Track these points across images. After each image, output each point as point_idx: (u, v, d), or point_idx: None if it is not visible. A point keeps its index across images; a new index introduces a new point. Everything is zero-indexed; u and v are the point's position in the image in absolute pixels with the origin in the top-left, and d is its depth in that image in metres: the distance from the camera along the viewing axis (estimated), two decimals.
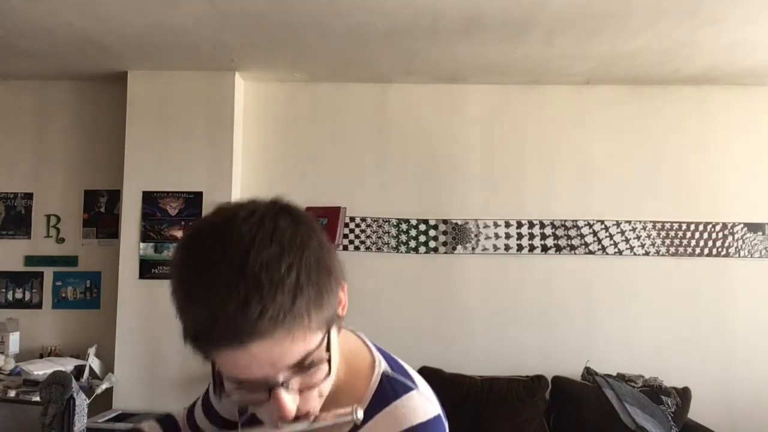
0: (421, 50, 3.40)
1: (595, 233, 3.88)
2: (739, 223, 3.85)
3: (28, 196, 3.97)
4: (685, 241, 3.86)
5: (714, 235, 3.85)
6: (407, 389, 0.82)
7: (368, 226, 3.90)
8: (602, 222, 3.88)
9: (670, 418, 3.42)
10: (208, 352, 0.67)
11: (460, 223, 3.89)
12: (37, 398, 2.97)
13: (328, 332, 0.71)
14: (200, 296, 0.64)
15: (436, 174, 3.92)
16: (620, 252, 3.86)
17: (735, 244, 3.84)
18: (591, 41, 3.24)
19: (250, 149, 3.92)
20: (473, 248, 3.88)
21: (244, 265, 0.63)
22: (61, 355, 3.74)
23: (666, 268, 3.85)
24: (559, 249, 3.87)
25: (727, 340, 3.81)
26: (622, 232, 3.87)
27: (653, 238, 3.86)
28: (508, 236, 3.88)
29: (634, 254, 3.86)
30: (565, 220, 3.88)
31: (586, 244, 3.87)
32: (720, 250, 3.85)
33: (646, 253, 3.86)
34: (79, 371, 3.49)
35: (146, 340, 3.64)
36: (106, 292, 3.88)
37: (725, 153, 3.90)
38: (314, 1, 2.81)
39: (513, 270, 3.88)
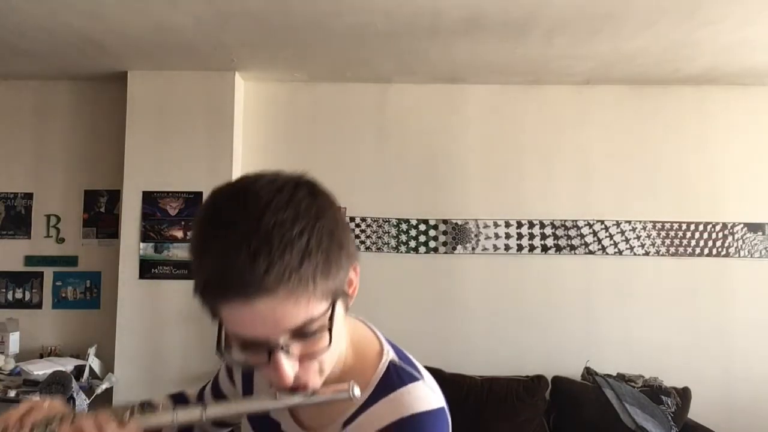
0: (420, 50, 3.40)
1: (595, 233, 3.88)
2: (739, 223, 3.85)
3: (28, 196, 3.97)
4: (685, 241, 3.86)
5: (714, 235, 3.85)
6: (413, 379, 0.83)
7: (368, 226, 3.90)
8: (602, 222, 3.88)
9: (670, 418, 3.42)
10: (215, 304, 0.69)
11: (460, 223, 3.89)
12: (38, 398, 2.97)
13: (333, 304, 0.72)
14: (214, 248, 0.68)
15: (435, 174, 3.92)
16: (620, 252, 3.86)
17: (735, 244, 3.85)
18: (591, 41, 3.24)
19: (250, 149, 3.92)
20: (473, 248, 3.88)
21: (258, 223, 0.67)
22: (61, 355, 3.74)
23: (666, 268, 3.85)
24: (559, 249, 3.87)
25: (727, 340, 3.81)
26: (622, 232, 3.87)
27: (653, 238, 3.86)
28: (508, 236, 3.88)
29: (634, 254, 3.86)
30: (565, 220, 3.88)
31: (586, 244, 3.87)
32: (720, 250, 3.85)
33: (646, 253, 3.86)
34: (79, 371, 3.49)
35: (146, 340, 3.64)
36: (106, 292, 3.88)
37: (725, 153, 3.90)
38: (314, 1, 2.81)
39: (513, 270, 3.88)
